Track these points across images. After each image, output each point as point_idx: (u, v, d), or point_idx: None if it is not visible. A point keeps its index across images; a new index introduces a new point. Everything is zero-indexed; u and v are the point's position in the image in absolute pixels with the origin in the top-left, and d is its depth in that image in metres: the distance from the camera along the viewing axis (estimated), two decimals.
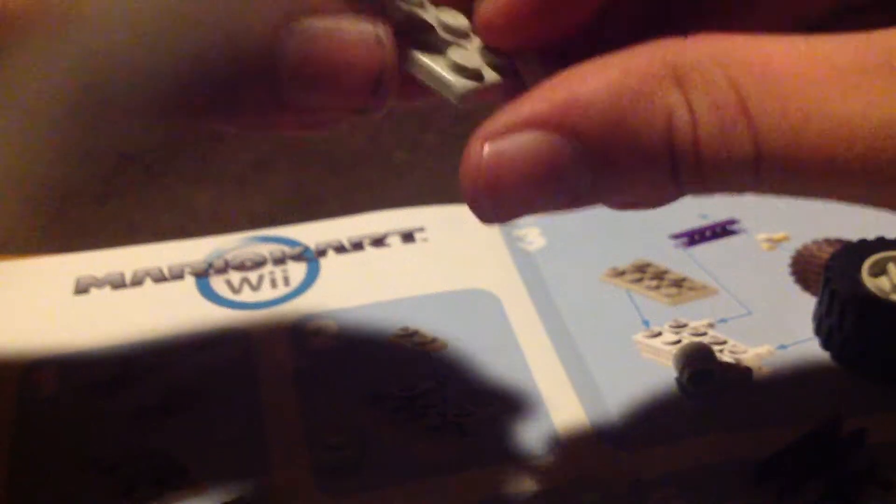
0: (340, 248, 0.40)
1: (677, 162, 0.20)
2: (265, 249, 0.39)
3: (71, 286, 0.38)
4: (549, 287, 0.37)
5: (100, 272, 0.39)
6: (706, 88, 0.20)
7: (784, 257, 0.38)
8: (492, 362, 0.34)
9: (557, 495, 0.29)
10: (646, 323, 0.35)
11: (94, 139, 0.22)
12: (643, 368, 0.33)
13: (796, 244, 0.39)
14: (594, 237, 0.40)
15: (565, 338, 0.35)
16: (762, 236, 0.39)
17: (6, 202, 0.22)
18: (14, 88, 0.21)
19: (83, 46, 0.21)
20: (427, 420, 0.32)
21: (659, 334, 0.35)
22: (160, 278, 0.38)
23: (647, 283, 0.37)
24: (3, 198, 0.22)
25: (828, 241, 0.39)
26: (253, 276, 0.38)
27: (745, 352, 0.34)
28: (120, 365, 0.34)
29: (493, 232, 0.40)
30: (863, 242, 0.34)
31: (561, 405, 0.32)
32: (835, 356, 0.33)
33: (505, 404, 0.32)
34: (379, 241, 0.40)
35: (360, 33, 0.23)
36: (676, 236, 0.39)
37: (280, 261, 0.39)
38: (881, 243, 0.34)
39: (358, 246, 0.40)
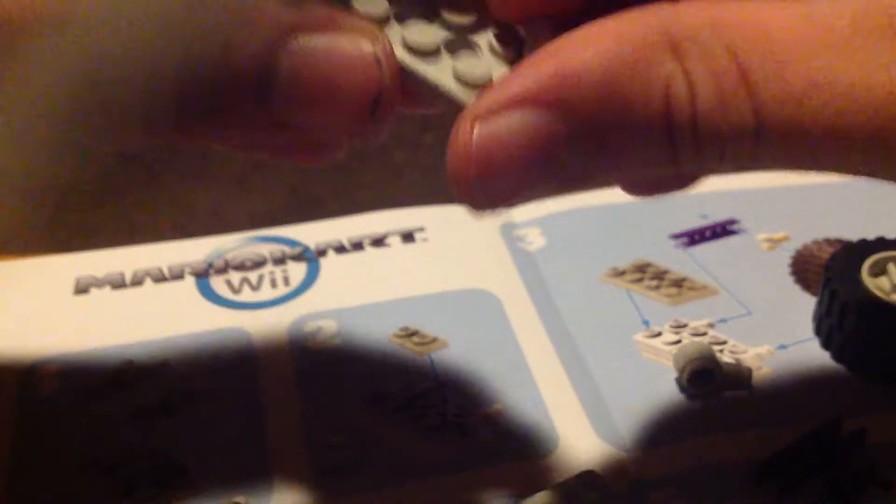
0: (340, 248, 0.40)
1: (674, 135, 0.19)
2: (265, 249, 0.39)
3: (71, 286, 0.38)
4: (549, 287, 0.37)
5: (100, 272, 0.39)
6: (704, 57, 0.19)
7: (784, 257, 0.38)
8: (492, 362, 0.34)
9: (557, 495, 0.29)
10: (646, 323, 0.35)
11: (94, 139, 0.22)
12: (643, 368, 0.33)
13: (796, 244, 0.39)
14: (594, 237, 0.40)
15: (565, 338, 0.35)
16: (762, 236, 0.39)
17: (6, 202, 0.22)
18: (14, 89, 0.21)
19: (78, 51, 0.21)
20: (427, 420, 0.32)
21: (659, 334, 0.35)
22: (160, 278, 0.38)
23: (647, 283, 0.37)
24: (3, 198, 0.22)
25: (828, 241, 0.39)
26: (253, 276, 0.38)
27: (745, 352, 0.34)
28: (120, 365, 0.34)
29: (493, 232, 0.40)
30: (863, 242, 0.34)
31: (561, 405, 0.32)
32: (835, 356, 0.33)
33: (505, 404, 0.32)
34: (379, 241, 0.40)
35: (359, 53, 0.22)
36: (676, 236, 0.39)
37: (280, 261, 0.39)
38: (881, 243, 0.34)
39: (358, 246, 0.40)
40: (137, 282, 0.38)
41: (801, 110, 0.18)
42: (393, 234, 0.40)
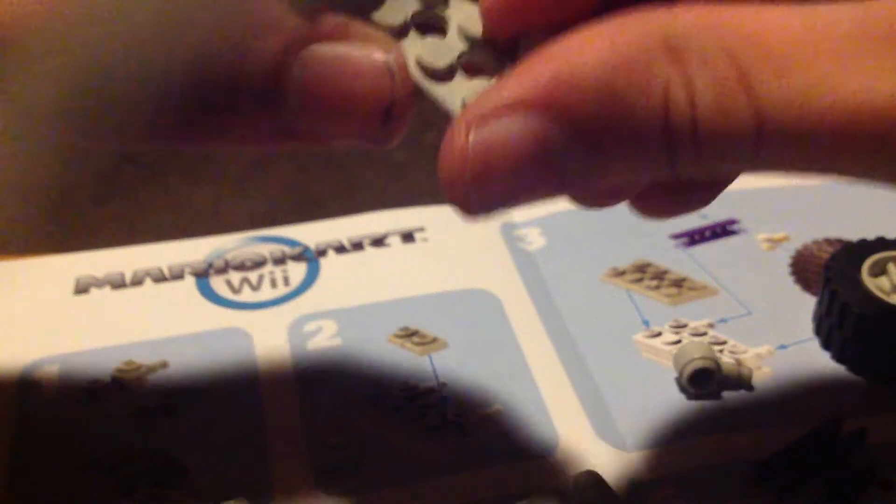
0: (340, 248, 0.40)
1: (673, 140, 0.19)
2: (265, 249, 0.39)
3: (71, 286, 0.38)
4: (549, 287, 0.37)
5: (100, 272, 0.39)
6: (703, 61, 0.19)
7: (784, 257, 0.38)
8: (492, 362, 0.34)
9: (557, 495, 0.29)
10: (646, 323, 0.35)
11: (95, 141, 0.22)
12: (643, 368, 0.33)
13: (796, 244, 0.39)
14: (594, 237, 0.40)
15: (565, 338, 0.35)
16: (762, 236, 0.39)
17: (6, 202, 0.22)
18: (14, 90, 0.21)
19: (85, 46, 0.21)
20: (427, 420, 0.32)
21: (659, 334, 0.35)
22: (160, 278, 0.38)
23: (647, 283, 0.37)
24: (3, 198, 0.22)
25: (828, 241, 0.39)
26: (253, 276, 0.38)
27: (745, 352, 0.34)
28: (120, 365, 0.34)
29: (493, 232, 0.40)
30: (863, 242, 0.34)
31: (561, 405, 0.32)
32: (835, 356, 0.33)
33: (505, 404, 0.32)
34: (379, 241, 0.40)
35: (371, 63, 0.21)
36: (676, 236, 0.39)
37: (280, 261, 0.39)
38: (881, 243, 0.34)
39: (358, 246, 0.40)
40: (137, 282, 0.38)
41: (801, 115, 0.18)
42: (393, 234, 0.40)
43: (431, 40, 0.23)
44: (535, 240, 0.40)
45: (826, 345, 0.34)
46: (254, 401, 0.33)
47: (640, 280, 0.37)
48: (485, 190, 0.20)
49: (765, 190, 0.42)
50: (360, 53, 0.21)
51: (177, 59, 0.21)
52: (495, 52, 0.23)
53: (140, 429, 0.32)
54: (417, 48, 0.23)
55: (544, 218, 0.41)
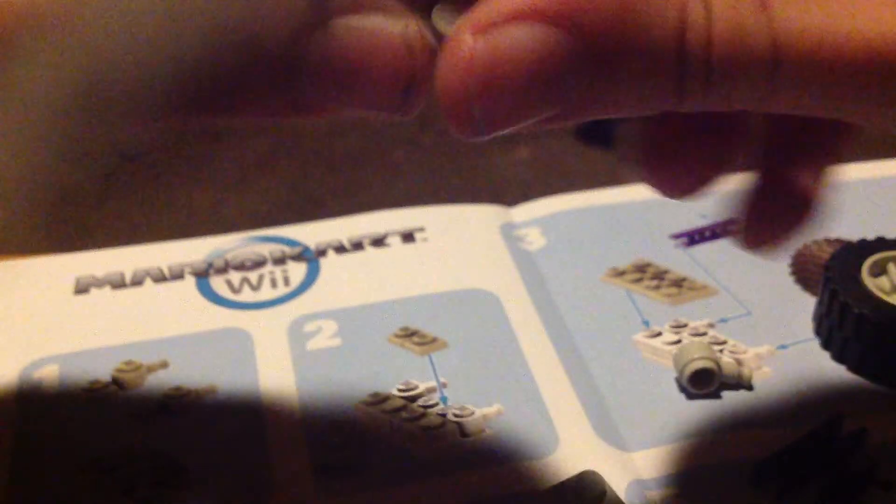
0: (340, 248, 0.40)
1: (686, 63, 0.18)
2: (265, 249, 0.40)
3: (71, 286, 0.38)
4: (549, 287, 0.37)
5: (100, 272, 0.39)
6: None
7: (784, 257, 0.38)
8: (492, 362, 0.34)
9: (557, 495, 0.29)
10: (646, 323, 0.35)
11: (95, 139, 0.22)
12: (643, 368, 0.33)
13: (796, 244, 0.39)
14: (594, 237, 0.40)
15: (565, 338, 0.35)
16: None
17: (6, 202, 0.22)
18: (14, 87, 0.21)
19: (87, 42, 0.20)
20: (427, 420, 0.32)
21: (659, 334, 0.35)
22: (160, 278, 0.38)
23: (647, 283, 0.37)
24: (3, 197, 0.22)
25: (828, 241, 0.39)
26: (253, 276, 0.38)
27: (745, 352, 0.34)
28: (120, 365, 0.34)
29: (493, 232, 0.40)
30: (863, 242, 0.34)
31: (561, 405, 0.32)
32: (835, 356, 0.33)
33: (505, 404, 0.32)
34: (379, 241, 0.40)
35: (390, 36, 0.21)
36: (676, 236, 0.39)
37: (280, 261, 0.39)
38: (881, 243, 0.34)
39: (358, 246, 0.40)
40: (137, 282, 0.38)
41: (818, 46, 0.18)
42: (393, 234, 0.40)
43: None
44: (535, 240, 0.40)
45: (826, 345, 0.34)
46: (254, 401, 0.33)
47: (640, 280, 0.37)
48: (487, 103, 0.19)
49: None
50: (378, 27, 0.21)
51: (186, 38, 0.21)
52: None
53: (140, 429, 0.32)
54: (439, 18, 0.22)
55: (544, 218, 0.41)
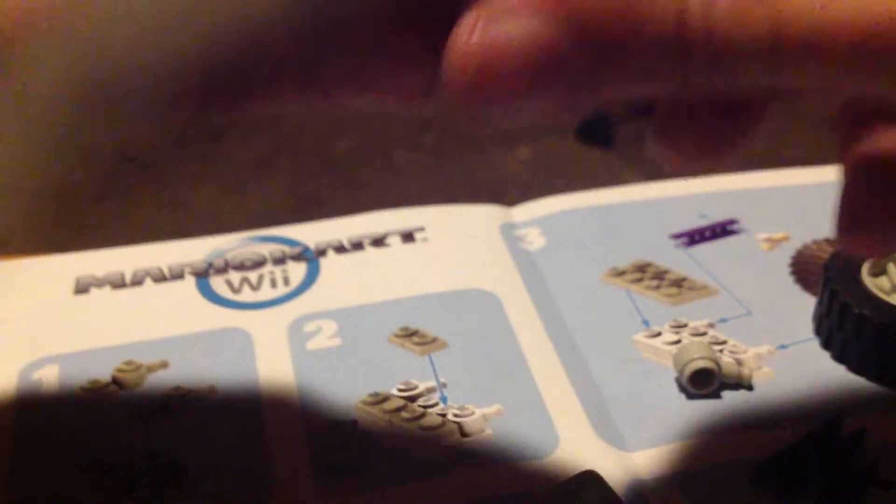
0: (340, 248, 0.40)
1: (687, 45, 0.19)
2: (265, 249, 0.40)
3: (71, 286, 0.38)
4: (549, 287, 0.37)
5: (100, 272, 0.39)
6: None
7: (784, 257, 0.38)
8: (492, 362, 0.34)
9: (557, 495, 0.29)
10: (646, 323, 0.35)
11: (96, 139, 0.22)
12: (643, 368, 0.33)
13: (796, 244, 0.39)
14: (594, 237, 0.40)
15: (565, 338, 0.35)
16: (762, 236, 0.39)
17: (7, 202, 0.22)
18: (17, 88, 0.21)
19: (89, 42, 0.20)
20: (427, 420, 0.32)
21: (659, 334, 0.35)
22: (160, 278, 0.38)
23: (647, 283, 0.37)
24: (4, 197, 0.22)
25: (828, 241, 0.39)
26: (253, 276, 0.38)
27: (745, 352, 0.34)
28: (120, 365, 0.34)
29: (493, 232, 0.40)
30: None
31: (561, 405, 0.32)
32: (835, 356, 0.33)
33: (505, 404, 0.32)
34: (379, 241, 0.40)
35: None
36: (676, 236, 0.39)
37: (280, 261, 0.39)
38: None
39: (358, 246, 0.40)
40: (137, 282, 0.38)
41: (820, 22, 0.18)
42: (393, 234, 0.40)
43: None
44: (535, 240, 0.40)
45: (826, 345, 0.34)
46: (254, 401, 0.33)
47: (640, 280, 0.37)
48: (485, 86, 0.19)
49: (765, 190, 0.42)
50: None
51: (195, 29, 0.21)
52: None
53: (140, 429, 0.32)
54: None
55: (544, 218, 0.41)
